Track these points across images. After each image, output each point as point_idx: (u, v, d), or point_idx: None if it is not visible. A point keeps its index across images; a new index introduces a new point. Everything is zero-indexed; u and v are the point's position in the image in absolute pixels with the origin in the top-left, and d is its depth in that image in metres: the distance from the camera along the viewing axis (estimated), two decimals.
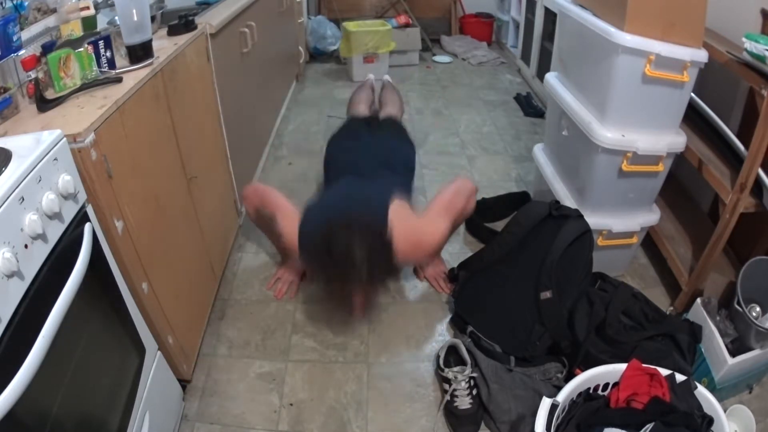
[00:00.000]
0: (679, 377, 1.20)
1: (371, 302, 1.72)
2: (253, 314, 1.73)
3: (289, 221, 1.45)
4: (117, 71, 1.20)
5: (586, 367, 1.26)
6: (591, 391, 1.24)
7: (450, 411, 1.39)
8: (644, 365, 1.21)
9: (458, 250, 1.99)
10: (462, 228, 2.10)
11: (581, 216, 1.55)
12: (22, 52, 1.09)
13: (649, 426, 1.09)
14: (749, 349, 1.35)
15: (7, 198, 0.74)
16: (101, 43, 1.21)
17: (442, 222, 1.49)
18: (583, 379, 1.22)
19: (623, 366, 1.21)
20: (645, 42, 1.39)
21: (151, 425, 1.15)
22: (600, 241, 1.70)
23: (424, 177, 2.46)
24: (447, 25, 4.51)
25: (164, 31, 1.51)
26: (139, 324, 1.15)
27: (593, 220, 1.59)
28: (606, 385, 1.24)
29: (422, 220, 1.49)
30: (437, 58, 4.13)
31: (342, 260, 1.29)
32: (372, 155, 1.73)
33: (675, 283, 1.71)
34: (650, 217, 1.72)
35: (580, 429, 1.16)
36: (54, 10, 1.31)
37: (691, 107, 1.63)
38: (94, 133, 0.97)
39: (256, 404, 1.44)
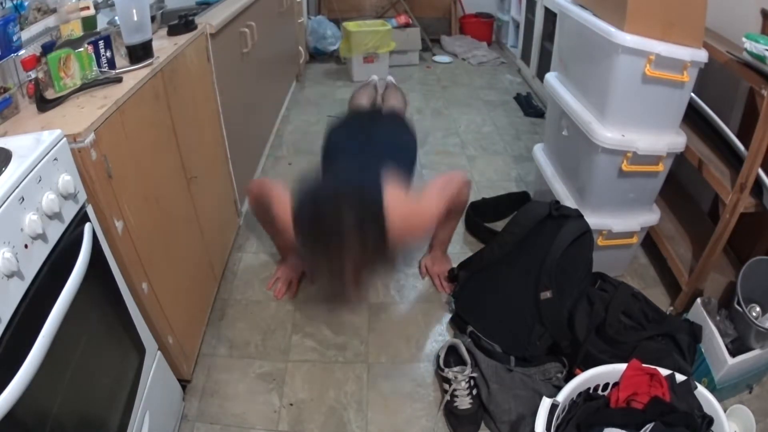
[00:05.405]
0: (679, 377, 1.20)
1: (365, 284, 1.66)
2: (253, 314, 1.73)
3: (283, 203, 1.44)
4: (117, 71, 1.20)
5: (586, 367, 1.26)
6: (591, 391, 1.24)
7: (450, 411, 1.39)
8: (644, 365, 1.21)
9: (458, 250, 1.99)
10: (462, 228, 2.10)
11: (581, 216, 1.55)
12: (22, 52, 1.09)
13: (649, 426, 1.09)
14: (749, 349, 1.35)
15: (7, 198, 0.74)
16: (101, 43, 1.21)
17: (435, 203, 1.50)
18: (583, 379, 1.22)
19: (623, 366, 1.21)
20: (645, 42, 1.39)
21: (151, 425, 1.15)
22: (600, 241, 1.70)
23: (424, 177, 2.45)
24: (447, 25, 4.51)
25: (164, 31, 1.51)
26: (139, 324, 1.14)
27: (593, 220, 1.59)
28: (606, 385, 1.24)
29: (417, 204, 1.49)
30: (437, 58, 4.12)
31: (332, 228, 1.24)
32: (372, 146, 1.70)
33: (675, 283, 1.71)
34: (650, 217, 1.72)
35: (580, 429, 1.16)
36: (54, 10, 1.31)
37: (691, 107, 1.63)
38: (94, 133, 0.97)
39: (256, 404, 1.44)
